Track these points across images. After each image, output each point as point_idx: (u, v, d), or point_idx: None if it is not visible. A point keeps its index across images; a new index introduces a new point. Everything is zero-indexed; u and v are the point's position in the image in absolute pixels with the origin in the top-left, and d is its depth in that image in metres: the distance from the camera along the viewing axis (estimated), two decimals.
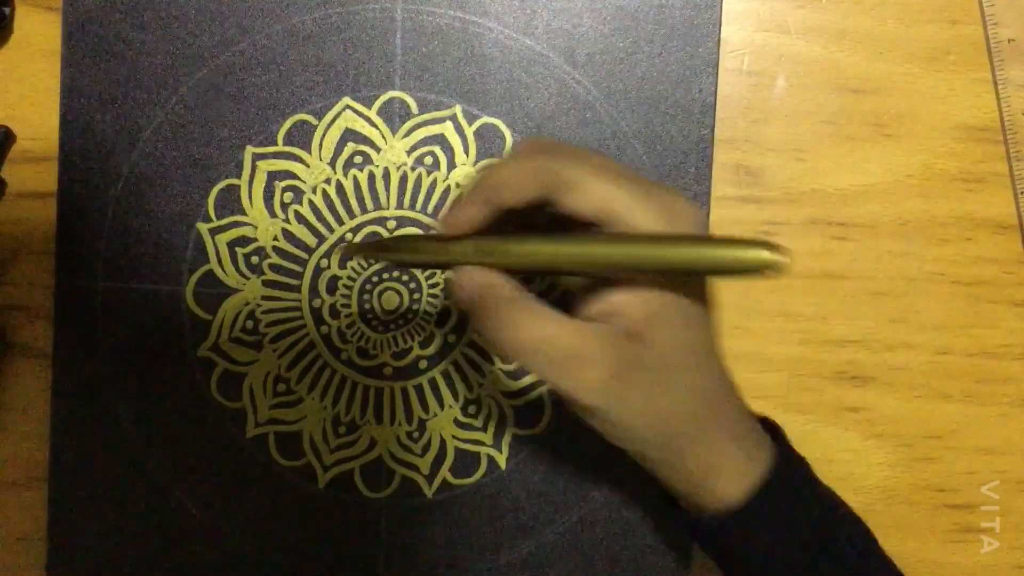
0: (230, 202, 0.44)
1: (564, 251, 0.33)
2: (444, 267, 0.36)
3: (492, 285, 0.34)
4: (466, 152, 0.44)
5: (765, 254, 0.31)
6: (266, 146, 0.44)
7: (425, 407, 0.45)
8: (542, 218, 0.35)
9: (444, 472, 0.45)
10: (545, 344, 0.33)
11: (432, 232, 0.36)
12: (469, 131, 0.44)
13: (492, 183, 0.34)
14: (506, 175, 0.34)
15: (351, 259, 0.43)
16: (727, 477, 0.35)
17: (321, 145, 0.44)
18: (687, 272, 0.33)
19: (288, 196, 0.44)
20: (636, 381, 0.33)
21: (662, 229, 0.33)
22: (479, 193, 0.34)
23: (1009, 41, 0.45)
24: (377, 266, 0.44)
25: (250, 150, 0.44)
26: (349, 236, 0.44)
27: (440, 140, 0.44)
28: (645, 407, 0.34)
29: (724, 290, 0.45)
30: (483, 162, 0.38)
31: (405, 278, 0.44)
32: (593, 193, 0.33)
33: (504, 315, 0.33)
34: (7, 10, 0.43)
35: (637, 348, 0.33)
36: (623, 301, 0.34)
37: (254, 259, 0.44)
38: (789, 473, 0.37)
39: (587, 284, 0.35)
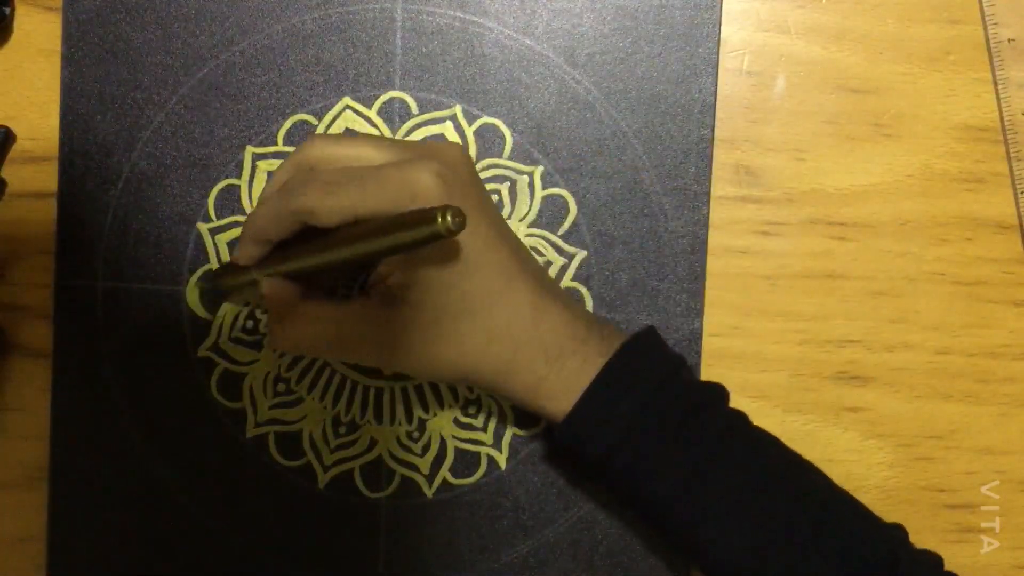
0: (230, 202, 0.44)
1: (320, 258, 0.37)
2: (251, 287, 0.40)
3: (273, 296, 0.39)
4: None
5: (438, 219, 0.33)
6: (266, 146, 0.44)
7: (425, 407, 0.45)
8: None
9: (444, 472, 0.45)
10: (316, 339, 0.39)
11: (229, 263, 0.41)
12: (469, 131, 0.44)
13: (253, 231, 0.38)
14: (261, 223, 0.38)
15: (207, 297, 0.45)
16: (551, 395, 0.38)
17: None
18: (395, 251, 0.35)
19: None
20: (407, 341, 0.37)
21: (392, 206, 0.35)
22: (249, 237, 0.39)
23: (1009, 41, 0.45)
24: None
25: (250, 150, 0.44)
26: None
27: (440, 140, 0.44)
28: (433, 358, 0.38)
29: (724, 290, 0.45)
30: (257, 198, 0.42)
31: None
32: (325, 212, 0.36)
33: (279, 328, 0.39)
34: (7, 10, 0.43)
35: (398, 311, 0.37)
36: (383, 273, 0.38)
37: None
38: (620, 370, 0.38)
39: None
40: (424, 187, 0.36)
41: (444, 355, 0.38)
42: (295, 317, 0.38)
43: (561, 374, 0.38)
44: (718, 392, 0.40)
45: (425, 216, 0.33)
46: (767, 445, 0.40)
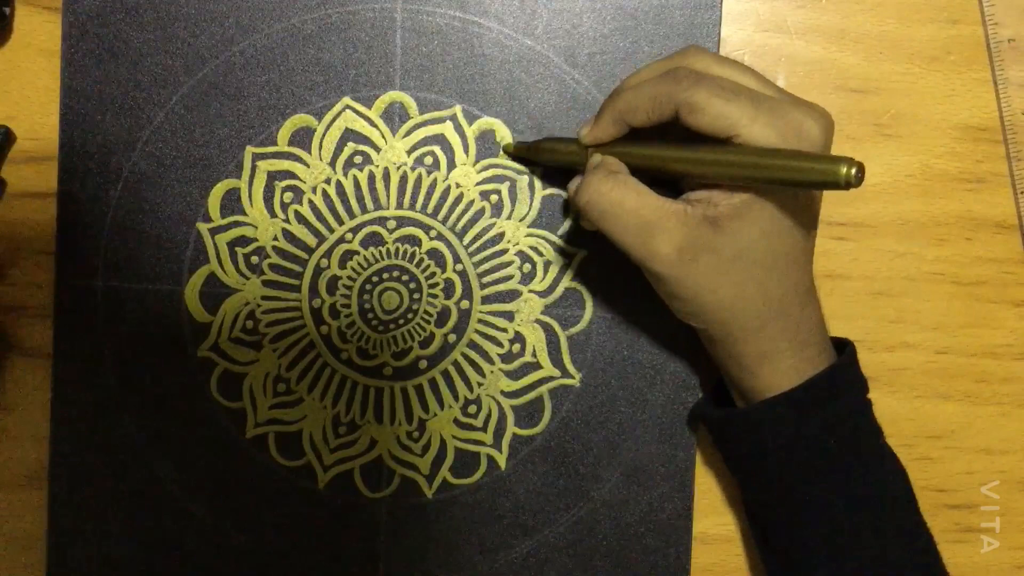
0: (230, 202, 0.44)
1: (669, 154, 0.38)
2: (578, 166, 0.42)
3: (605, 161, 0.40)
4: (466, 152, 0.44)
5: (843, 168, 0.33)
6: (266, 146, 0.44)
7: (425, 407, 0.45)
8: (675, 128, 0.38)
9: (444, 472, 0.45)
10: (625, 212, 0.38)
11: (571, 137, 0.42)
12: (469, 131, 0.44)
13: (620, 108, 0.39)
14: (633, 102, 0.38)
15: (511, 154, 0.45)
16: (776, 370, 0.39)
17: (321, 145, 0.44)
18: (769, 182, 0.36)
19: (288, 196, 0.44)
20: (704, 262, 0.37)
21: (774, 141, 0.36)
22: (609, 115, 0.39)
23: (1009, 41, 0.45)
24: (377, 266, 0.44)
25: (250, 150, 0.44)
26: (349, 236, 0.44)
27: (440, 140, 0.44)
28: (709, 288, 0.38)
29: None
30: (621, 84, 0.41)
31: (405, 278, 0.44)
32: (712, 114, 0.36)
33: (597, 181, 0.38)
34: (7, 10, 0.43)
35: (713, 233, 0.37)
36: (715, 193, 0.37)
37: (254, 259, 0.44)
38: (832, 385, 0.39)
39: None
40: (811, 135, 0.36)
41: (722, 290, 0.38)
42: (618, 181, 0.38)
43: (790, 359, 0.39)
44: (876, 428, 0.41)
45: (828, 161, 0.34)
46: (901, 481, 0.41)
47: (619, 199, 0.38)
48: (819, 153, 0.36)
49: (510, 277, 0.45)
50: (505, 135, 0.44)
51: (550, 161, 0.43)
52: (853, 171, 0.33)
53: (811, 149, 0.36)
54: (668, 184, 0.40)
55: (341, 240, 0.44)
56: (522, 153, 0.44)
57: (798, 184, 0.35)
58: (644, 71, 0.40)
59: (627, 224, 0.38)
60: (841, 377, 0.39)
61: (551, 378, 0.45)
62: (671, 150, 0.38)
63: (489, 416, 0.45)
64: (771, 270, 0.38)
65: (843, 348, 0.41)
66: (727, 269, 0.37)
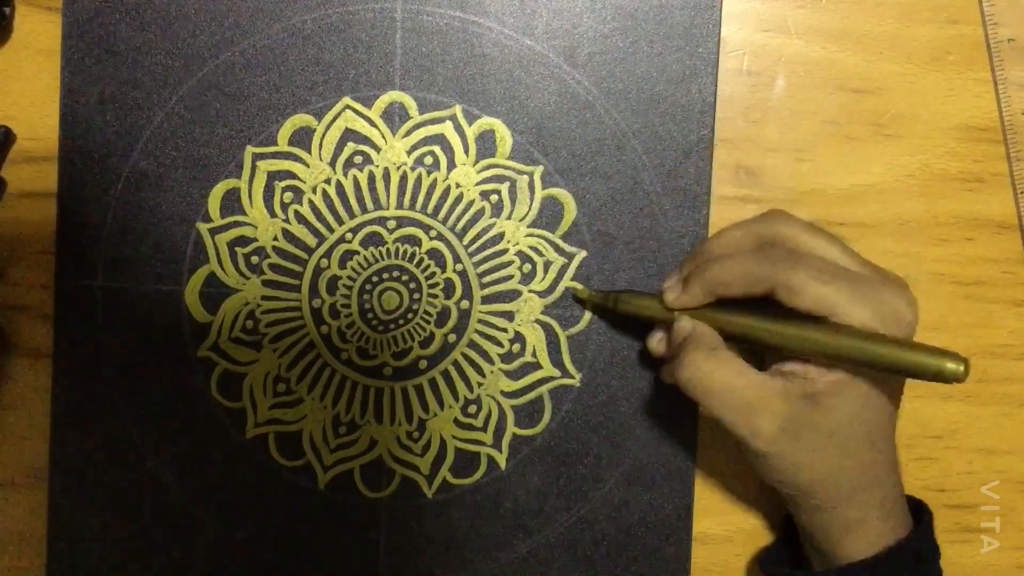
0: (230, 202, 0.44)
1: (768, 329, 0.38)
2: (661, 323, 0.42)
3: (701, 333, 0.39)
4: (466, 152, 0.44)
5: (949, 365, 0.34)
6: (266, 146, 0.44)
7: (425, 407, 0.45)
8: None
9: (444, 472, 0.45)
10: (728, 391, 0.37)
11: (657, 294, 0.42)
12: (469, 131, 0.44)
13: (712, 280, 0.39)
14: (728, 276, 0.39)
15: (584, 304, 0.45)
16: (861, 538, 0.39)
17: (321, 145, 0.44)
18: (872, 368, 0.36)
19: (288, 196, 0.44)
20: (804, 439, 0.37)
21: (871, 323, 0.36)
22: (700, 285, 0.39)
23: (1009, 41, 0.45)
24: (377, 266, 0.44)
25: (250, 150, 0.44)
26: (349, 236, 0.44)
27: (440, 140, 0.44)
28: (808, 464, 0.38)
29: None
30: (712, 236, 0.42)
31: (405, 278, 0.44)
32: (811, 297, 0.37)
33: (700, 360, 0.38)
34: (7, 10, 0.43)
35: (811, 410, 0.37)
36: (810, 368, 0.38)
37: (254, 259, 0.44)
38: (914, 554, 0.39)
39: None
40: (907, 318, 0.37)
41: (817, 464, 0.38)
42: (720, 360, 0.38)
43: (876, 528, 0.39)
44: None
45: (936, 353, 0.35)
46: None
47: (722, 379, 0.37)
48: (925, 345, 0.36)
49: (510, 277, 0.45)
50: (505, 135, 0.44)
51: (628, 313, 0.42)
52: (961, 368, 0.34)
53: (907, 332, 0.37)
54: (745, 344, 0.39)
55: (341, 240, 0.44)
56: (598, 301, 0.43)
57: (900, 372, 0.36)
58: (732, 235, 0.40)
59: (731, 403, 0.37)
60: (922, 546, 0.40)
61: (551, 378, 0.45)
62: (768, 324, 0.38)
63: (489, 416, 0.45)
64: (865, 443, 0.38)
65: (918, 509, 0.41)
66: (824, 444, 0.37)
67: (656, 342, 0.42)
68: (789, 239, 0.39)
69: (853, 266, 0.38)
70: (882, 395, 0.38)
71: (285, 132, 0.44)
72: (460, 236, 0.44)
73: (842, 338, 0.36)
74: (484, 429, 0.45)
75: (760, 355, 0.41)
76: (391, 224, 0.44)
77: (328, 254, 0.44)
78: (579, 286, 0.44)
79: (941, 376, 0.34)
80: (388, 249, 0.44)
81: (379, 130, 0.44)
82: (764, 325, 0.38)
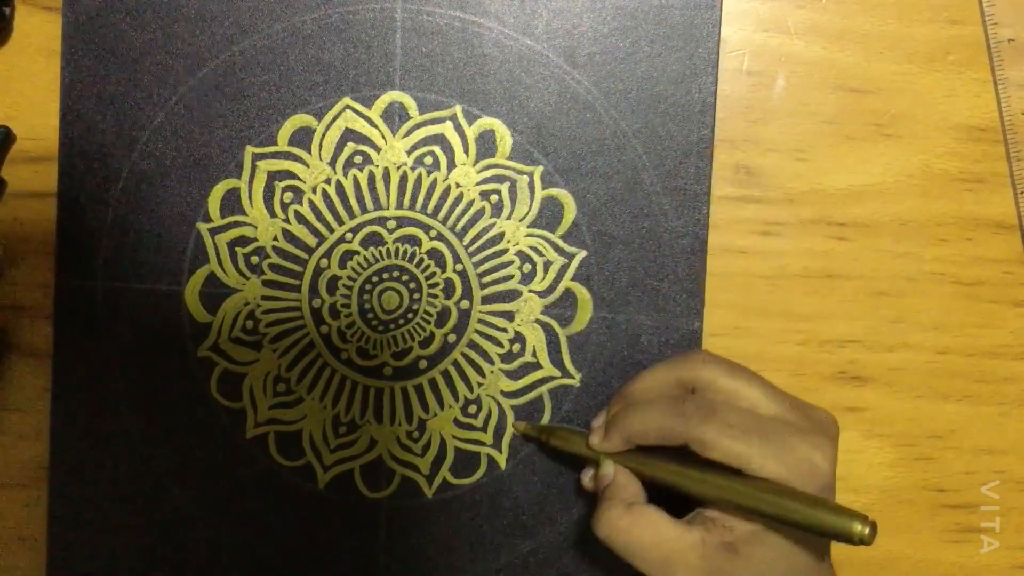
0: (230, 202, 0.44)
1: (687, 478, 0.38)
2: (589, 460, 0.42)
3: (619, 485, 0.40)
4: (466, 152, 0.44)
5: (856, 527, 0.34)
6: (266, 146, 0.44)
7: (425, 407, 0.45)
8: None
9: (444, 472, 0.45)
10: (644, 548, 0.38)
11: (585, 432, 0.42)
12: (469, 131, 0.44)
13: (628, 430, 0.39)
14: (642, 428, 0.39)
15: (522, 436, 0.45)
16: None
17: (321, 145, 0.44)
18: (783, 523, 0.36)
19: (288, 196, 0.44)
20: None
21: (785, 476, 0.36)
22: (618, 433, 0.40)
23: (1009, 41, 0.45)
24: (377, 266, 0.44)
25: (250, 150, 0.44)
26: (349, 236, 0.44)
27: (440, 140, 0.44)
28: None
29: (724, 290, 0.45)
30: (633, 378, 0.42)
31: (405, 278, 0.44)
32: (722, 452, 0.37)
33: (615, 517, 0.39)
34: (7, 10, 0.43)
35: (730, 561, 0.37)
36: (729, 516, 0.38)
37: (254, 259, 0.44)
38: None
39: None
40: (820, 472, 0.37)
41: None
42: (640, 514, 0.38)
43: None
44: None
45: (844, 514, 0.35)
46: None
47: (637, 537, 0.38)
48: (833, 504, 0.36)
49: (510, 277, 0.45)
50: (505, 135, 0.44)
51: (561, 448, 0.43)
52: (867, 531, 0.34)
53: (822, 484, 0.37)
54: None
55: (341, 240, 0.44)
56: (532, 435, 0.44)
57: (809, 530, 0.36)
58: (654, 378, 0.41)
59: (648, 560, 0.38)
60: None
61: (551, 378, 0.45)
62: (686, 473, 0.38)
63: (489, 416, 0.45)
64: None
65: None
66: None
67: (587, 480, 0.42)
68: (708, 384, 0.39)
69: (774, 409, 0.38)
70: (803, 548, 0.38)
71: (285, 132, 0.44)
72: (460, 236, 0.44)
73: (753, 492, 0.36)
74: (484, 429, 0.45)
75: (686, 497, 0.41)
76: (391, 224, 0.44)
77: (328, 254, 0.44)
78: (518, 425, 0.44)
79: (847, 537, 0.35)
80: (388, 249, 0.44)
81: (379, 130, 0.44)
82: (682, 474, 0.38)
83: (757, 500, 0.36)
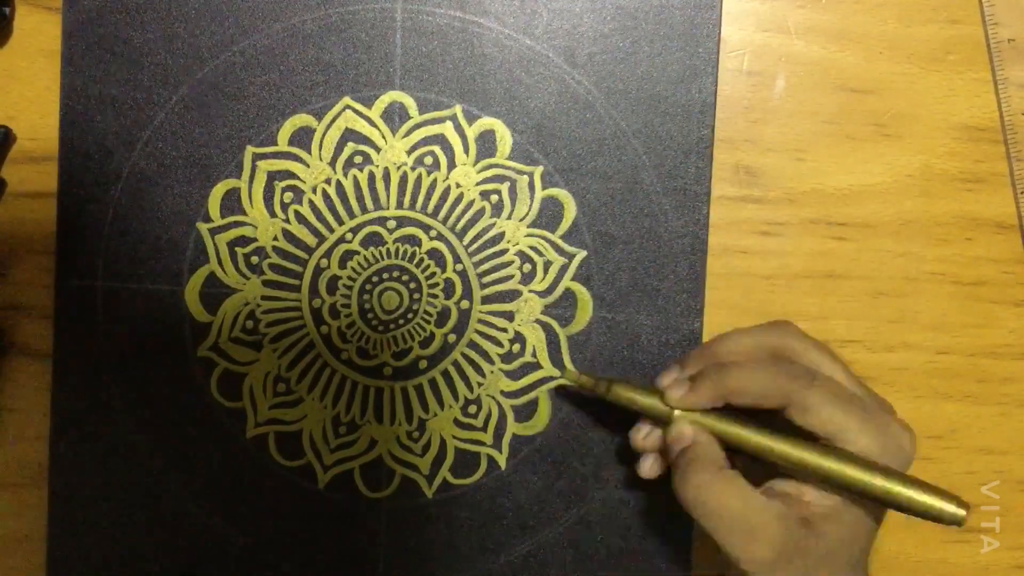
0: (230, 202, 0.44)
1: (774, 448, 0.37)
2: (656, 421, 0.40)
3: (700, 444, 0.38)
4: (466, 152, 0.44)
5: (951, 508, 0.35)
6: (266, 146, 0.44)
7: (425, 407, 0.45)
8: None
9: (444, 472, 0.45)
10: (727, 513, 0.37)
11: (654, 389, 0.40)
12: (469, 131, 0.44)
13: (727, 386, 0.38)
14: (745, 385, 0.38)
15: (574, 385, 0.42)
16: None
17: (321, 145, 0.44)
18: (874, 500, 0.37)
19: (288, 196, 0.44)
20: (795, 564, 0.37)
21: (876, 453, 0.37)
22: (712, 388, 0.38)
23: (1009, 41, 0.45)
24: (377, 266, 0.44)
25: (250, 150, 0.44)
26: (349, 236, 0.44)
27: (440, 140, 0.44)
28: None
29: (724, 290, 0.45)
30: (717, 339, 0.41)
31: (405, 278, 0.44)
32: (823, 417, 0.37)
33: (708, 480, 0.37)
34: (7, 10, 0.43)
35: (807, 536, 0.37)
36: (807, 489, 0.38)
37: (254, 259, 0.44)
38: None
39: None
40: (907, 454, 0.37)
41: None
42: (726, 482, 0.37)
43: None
44: None
45: (942, 495, 0.35)
46: None
47: (727, 503, 0.37)
48: (932, 486, 0.36)
49: (510, 277, 0.45)
50: (505, 135, 0.44)
51: (619, 403, 0.40)
52: (963, 512, 0.35)
53: (907, 465, 0.37)
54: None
55: (341, 240, 0.44)
56: (588, 386, 0.41)
57: (902, 508, 0.36)
58: (742, 342, 0.40)
59: (731, 527, 0.37)
60: None
61: (551, 378, 0.45)
62: (776, 442, 0.38)
63: (489, 416, 0.45)
64: (849, 566, 0.38)
65: None
66: (814, 568, 0.37)
67: (643, 438, 0.41)
68: (800, 355, 0.39)
69: (858, 390, 0.38)
70: (871, 520, 0.38)
71: (285, 132, 0.44)
72: (460, 236, 0.44)
73: (849, 468, 0.36)
74: (484, 429, 0.45)
75: (751, 462, 0.40)
76: (391, 224, 0.44)
77: (328, 254, 0.44)
78: (569, 368, 0.43)
79: (940, 518, 0.35)
80: (388, 249, 0.44)
81: (379, 130, 0.44)
82: (773, 443, 0.38)
83: (853, 476, 0.36)
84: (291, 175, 0.44)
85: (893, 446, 0.37)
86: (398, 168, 0.44)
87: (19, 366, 0.45)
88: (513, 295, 0.45)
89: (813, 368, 0.38)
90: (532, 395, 0.45)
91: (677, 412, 0.39)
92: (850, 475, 0.36)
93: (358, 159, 0.44)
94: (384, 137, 0.44)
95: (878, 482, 0.36)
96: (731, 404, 0.38)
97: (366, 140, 0.44)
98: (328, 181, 0.44)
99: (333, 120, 0.44)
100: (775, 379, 0.38)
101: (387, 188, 0.44)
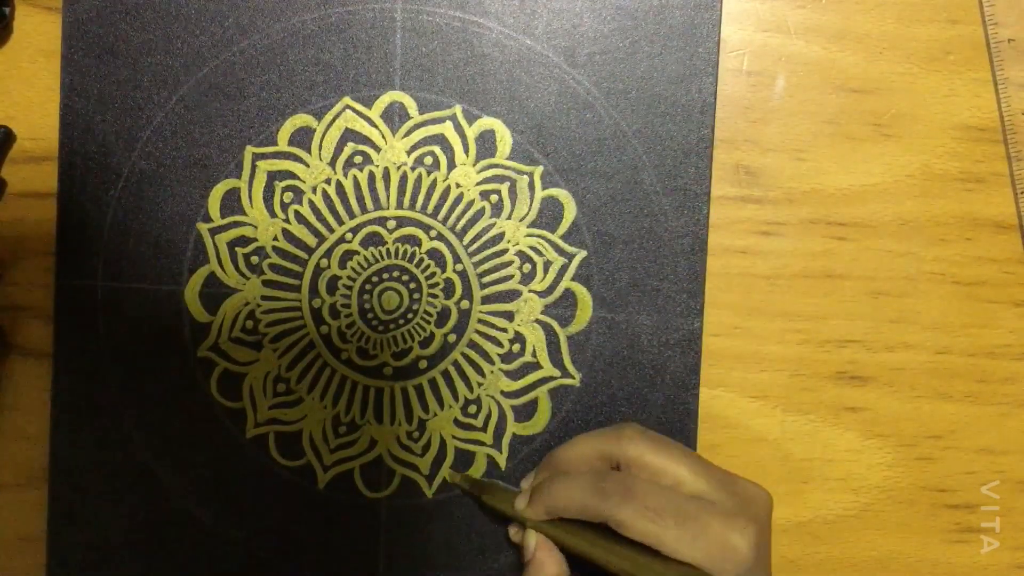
0: (230, 202, 0.44)
1: (607, 553, 0.39)
2: (516, 521, 0.43)
3: (536, 560, 0.40)
4: (466, 152, 0.44)
5: None
6: (266, 146, 0.44)
7: (425, 407, 0.45)
8: None
9: (444, 472, 0.45)
10: None
11: (515, 492, 0.43)
12: (469, 131, 0.44)
13: (552, 503, 0.40)
14: (563, 503, 0.40)
15: (459, 487, 0.45)
16: None
17: (321, 145, 0.44)
18: None
19: (288, 196, 0.44)
20: None
21: (699, 560, 0.37)
22: (543, 503, 0.40)
23: (1009, 41, 0.45)
24: (377, 266, 0.44)
25: (250, 150, 0.44)
26: (349, 236, 0.44)
27: (440, 140, 0.44)
28: None
29: (724, 290, 0.45)
30: (563, 446, 0.43)
31: (405, 278, 0.44)
32: (639, 534, 0.37)
33: None
34: (7, 10, 0.43)
35: None
36: None
37: (254, 259, 0.44)
38: None
39: None
40: (740, 555, 0.37)
41: None
42: None
43: None
44: None
45: None
46: None
47: None
48: None
49: (510, 277, 0.45)
50: (505, 135, 0.44)
51: (491, 506, 0.43)
52: None
53: (740, 566, 0.37)
54: None
55: (341, 240, 0.44)
56: (464, 487, 0.44)
57: None
58: (580, 450, 0.41)
59: None
60: None
61: (551, 378, 0.45)
62: (607, 548, 0.39)
63: (489, 416, 0.45)
64: None
65: None
66: None
67: (514, 534, 0.43)
68: (633, 460, 0.39)
69: (700, 487, 0.39)
70: None
71: (285, 132, 0.44)
72: (460, 236, 0.44)
73: (662, 570, 0.37)
74: (484, 429, 0.45)
75: None
76: (391, 224, 0.44)
77: (328, 254, 0.44)
78: (448, 471, 0.45)
79: None
80: (388, 249, 0.44)
81: (379, 130, 0.44)
82: (602, 549, 0.39)
83: (655, 572, 0.37)
84: (291, 175, 0.44)
85: (718, 552, 0.37)
86: (398, 168, 0.44)
87: (19, 366, 0.45)
88: (513, 295, 0.45)
89: (643, 474, 0.39)
90: (532, 395, 0.45)
91: (529, 523, 0.41)
92: (659, 573, 0.37)
93: (358, 159, 0.44)
94: (384, 137, 0.44)
95: None
96: (563, 517, 0.40)
97: (366, 140, 0.44)
98: (328, 181, 0.44)
99: (333, 120, 0.44)
100: (591, 497, 0.39)
101: (387, 188, 0.44)
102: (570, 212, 0.44)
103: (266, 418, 0.45)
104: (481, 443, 0.45)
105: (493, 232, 0.45)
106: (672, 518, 0.37)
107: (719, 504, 0.38)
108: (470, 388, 0.45)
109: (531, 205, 0.44)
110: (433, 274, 0.44)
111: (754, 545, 0.37)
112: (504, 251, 0.45)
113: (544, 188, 0.44)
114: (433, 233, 0.44)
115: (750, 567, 0.37)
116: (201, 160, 0.44)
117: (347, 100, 0.44)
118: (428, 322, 0.45)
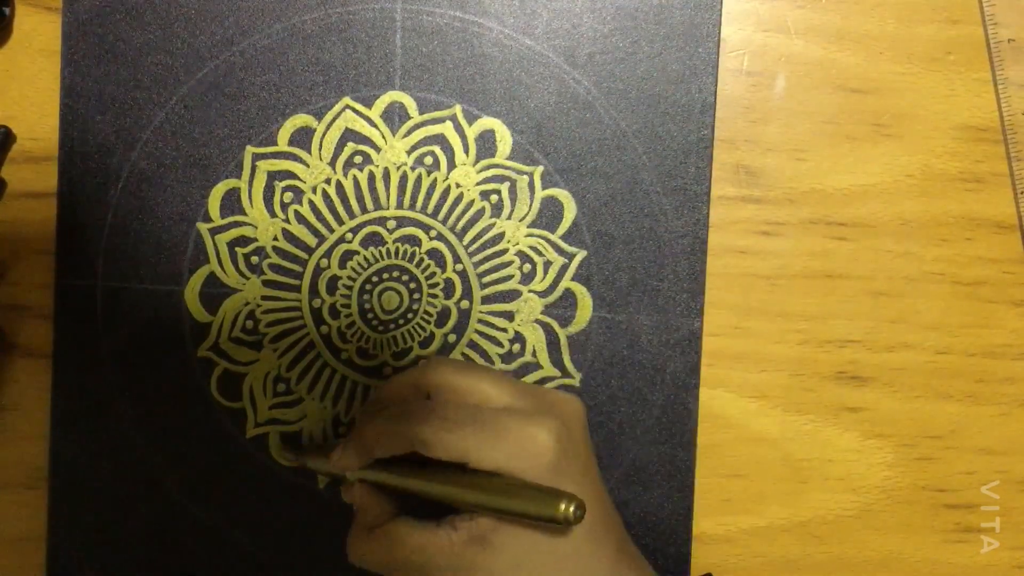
0: (230, 202, 0.44)
1: (422, 484, 0.37)
2: (338, 478, 0.41)
3: (361, 507, 0.39)
4: (466, 152, 0.44)
5: (561, 508, 0.34)
6: (266, 146, 0.44)
7: None
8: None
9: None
10: (397, 563, 0.37)
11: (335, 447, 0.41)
12: (469, 131, 0.44)
13: (362, 443, 0.39)
14: (370, 439, 0.38)
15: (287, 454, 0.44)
16: None
17: (321, 145, 0.44)
18: (503, 514, 0.36)
19: (288, 196, 0.44)
20: None
21: (503, 463, 0.36)
22: (354, 447, 0.39)
23: (1009, 41, 0.45)
24: (377, 266, 0.44)
25: (250, 150, 0.44)
26: (349, 236, 0.44)
27: (440, 140, 0.44)
28: None
29: (724, 290, 0.45)
30: (379, 387, 0.43)
31: (405, 278, 0.44)
32: (443, 447, 0.36)
33: (359, 545, 0.39)
34: (7, 10, 0.43)
35: (483, 554, 0.36)
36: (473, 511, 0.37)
37: (254, 259, 0.44)
38: None
39: None
40: (541, 447, 0.36)
41: None
42: (382, 535, 0.38)
43: None
44: None
45: (548, 499, 0.34)
46: None
47: (386, 558, 0.38)
48: (545, 490, 0.35)
49: (510, 277, 0.45)
50: (505, 135, 0.44)
51: (314, 468, 0.42)
52: (572, 508, 0.34)
53: (541, 461, 0.36)
54: None
55: (341, 240, 0.44)
56: (291, 459, 0.44)
57: (528, 517, 0.35)
58: (388, 388, 0.40)
59: (407, 570, 0.37)
60: None
61: (551, 378, 0.45)
62: (415, 480, 0.38)
63: None
64: (557, 571, 0.37)
65: None
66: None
67: (344, 493, 0.41)
68: (440, 385, 0.38)
69: (505, 400, 0.38)
70: (555, 535, 0.37)
71: (285, 132, 0.44)
72: (460, 236, 0.44)
73: (473, 488, 0.36)
74: None
75: None
76: (391, 224, 0.44)
77: (328, 254, 0.44)
78: (275, 445, 0.44)
79: (556, 519, 0.34)
80: (388, 249, 0.44)
81: (379, 130, 0.44)
82: (412, 482, 0.38)
83: (477, 496, 0.36)
84: (291, 175, 0.44)
85: (521, 450, 0.36)
86: (398, 168, 0.44)
87: (19, 366, 0.45)
88: (513, 295, 0.45)
89: (445, 396, 0.38)
90: None
91: (347, 473, 0.40)
92: (466, 496, 0.36)
93: (358, 159, 0.44)
94: (384, 137, 0.44)
95: (487, 498, 0.35)
96: (378, 457, 0.38)
97: (366, 140, 0.44)
98: (328, 181, 0.44)
99: (333, 120, 0.44)
100: (394, 424, 0.37)
101: (387, 188, 0.44)
102: (570, 212, 0.44)
103: (266, 418, 0.45)
104: None
105: (493, 232, 0.45)
106: (470, 426, 0.36)
107: (520, 410, 0.37)
108: None
109: (531, 205, 0.44)
110: (433, 274, 0.44)
111: (556, 439, 0.36)
112: (504, 251, 0.45)
113: (544, 188, 0.44)
114: (433, 233, 0.44)
115: (553, 461, 0.36)
116: (201, 160, 0.44)
117: (347, 100, 0.44)
118: (428, 322, 0.45)
